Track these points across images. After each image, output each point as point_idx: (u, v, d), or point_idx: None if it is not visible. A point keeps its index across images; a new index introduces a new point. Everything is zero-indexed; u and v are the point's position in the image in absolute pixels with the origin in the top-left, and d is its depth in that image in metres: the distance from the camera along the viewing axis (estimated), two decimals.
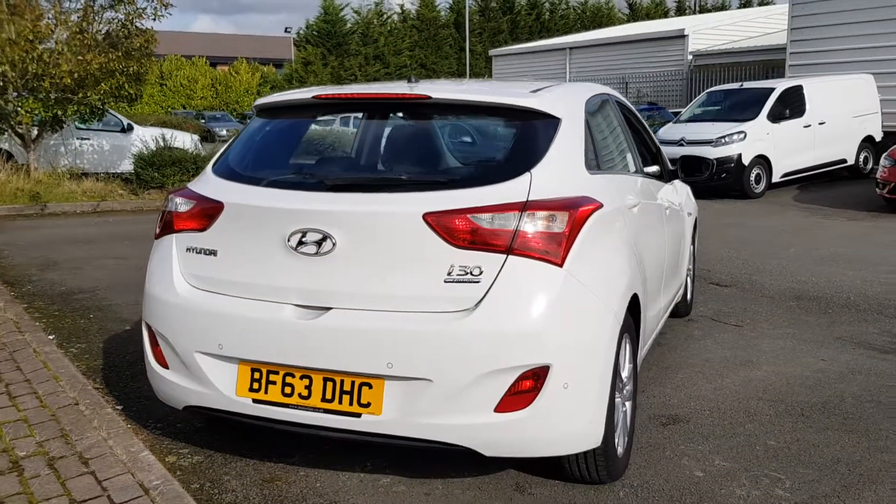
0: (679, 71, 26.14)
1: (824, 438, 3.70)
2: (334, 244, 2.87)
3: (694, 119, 14.91)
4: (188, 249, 3.20)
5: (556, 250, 2.79)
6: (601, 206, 3.04)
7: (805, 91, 14.27)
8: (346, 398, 2.87)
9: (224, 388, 3.05)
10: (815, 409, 4.07)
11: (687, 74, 25.92)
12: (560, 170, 3.01)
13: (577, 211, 2.87)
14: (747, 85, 15.51)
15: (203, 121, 35.22)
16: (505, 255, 2.76)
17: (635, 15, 52.83)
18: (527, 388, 2.75)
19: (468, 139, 3.40)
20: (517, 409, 2.76)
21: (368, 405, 2.84)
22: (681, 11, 52.34)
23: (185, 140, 14.54)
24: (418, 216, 2.81)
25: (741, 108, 14.26)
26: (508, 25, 48.67)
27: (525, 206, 2.80)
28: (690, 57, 25.91)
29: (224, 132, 33.43)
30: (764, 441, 3.68)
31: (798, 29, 17.97)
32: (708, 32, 26.41)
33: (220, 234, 3.12)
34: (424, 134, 3.41)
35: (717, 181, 13.37)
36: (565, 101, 3.36)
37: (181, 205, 3.27)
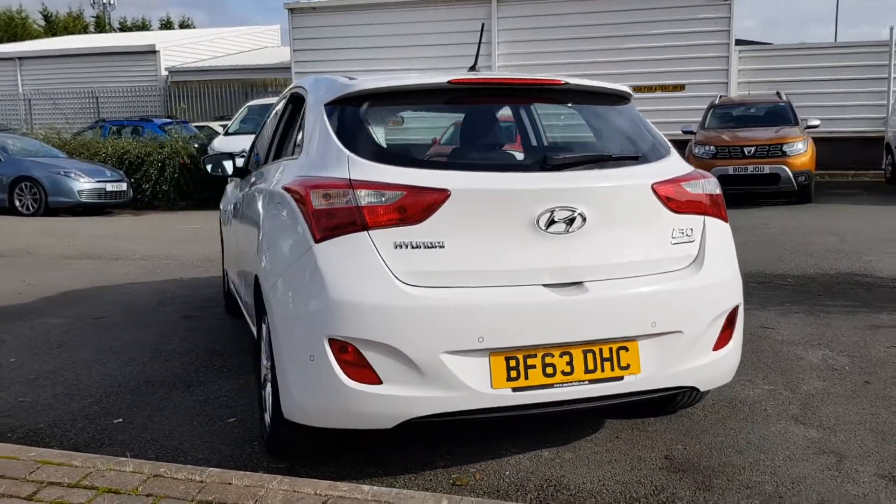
0: (154, 86, 25.70)
1: None
2: (584, 220, 2.96)
3: (241, 132, 15.31)
4: (398, 246, 2.82)
5: (722, 210, 3.38)
6: None
7: None
8: (607, 365, 2.99)
9: (477, 385, 2.83)
10: None
11: (163, 90, 25.66)
12: None
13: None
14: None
15: None
16: (703, 217, 3.26)
17: (52, 28, 49.51)
18: (727, 325, 3.29)
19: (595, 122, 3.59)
20: (725, 346, 3.28)
21: (628, 367, 3.02)
22: (100, 28, 50.74)
23: None
24: (648, 187, 3.11)
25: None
26: None
27: (702, 175, 3.32)
28: (166, 73, 25.73)
29: None
30: None
31: (300, 51, 19.62)
32: (180, 49, 26.58)
33: (446, 224, 2.85)
34: (591, 116, 3.53)
35: None
36: None
37: (369, 196, 2.83)
